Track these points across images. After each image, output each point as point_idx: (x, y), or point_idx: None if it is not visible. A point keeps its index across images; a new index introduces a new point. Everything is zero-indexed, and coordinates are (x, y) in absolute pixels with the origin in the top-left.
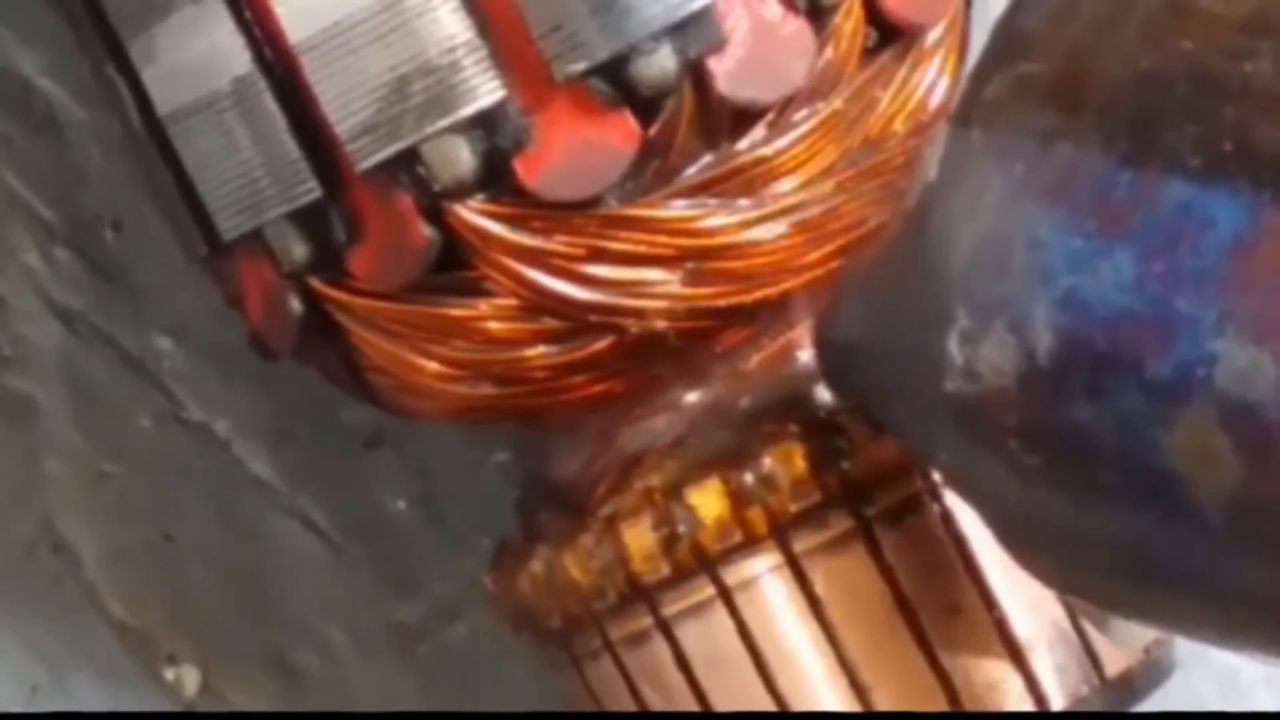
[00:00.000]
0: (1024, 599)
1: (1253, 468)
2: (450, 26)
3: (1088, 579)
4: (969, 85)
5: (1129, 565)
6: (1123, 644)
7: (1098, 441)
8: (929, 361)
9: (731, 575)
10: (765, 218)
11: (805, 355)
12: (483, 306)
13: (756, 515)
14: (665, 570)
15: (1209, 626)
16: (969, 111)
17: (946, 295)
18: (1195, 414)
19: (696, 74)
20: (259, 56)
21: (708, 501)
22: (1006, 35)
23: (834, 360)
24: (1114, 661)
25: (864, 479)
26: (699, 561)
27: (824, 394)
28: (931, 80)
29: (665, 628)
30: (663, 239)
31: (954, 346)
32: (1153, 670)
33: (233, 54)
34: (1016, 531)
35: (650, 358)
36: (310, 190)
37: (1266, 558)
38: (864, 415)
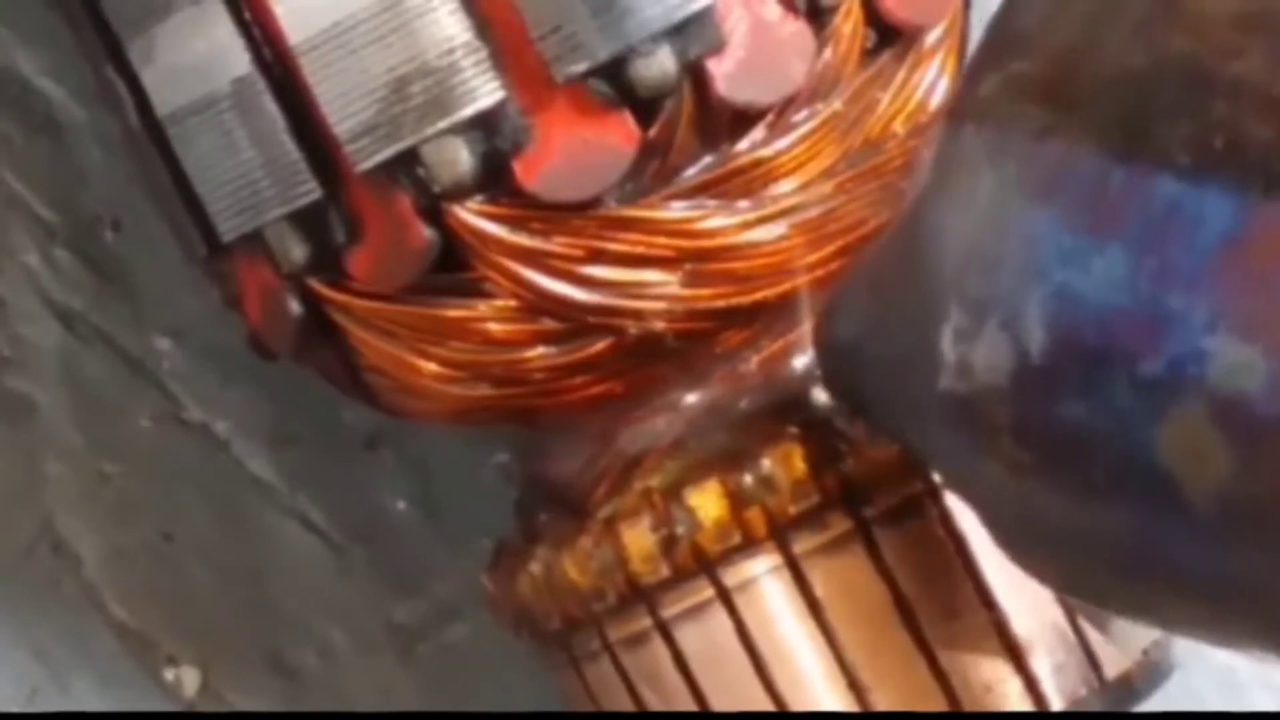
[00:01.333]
0: (1023, 599)
1: (1243, 463)
2: (450, 28)
3: (1084, 577)
4: (963, 84)
5: (1124, 562)
6: (1123, 645)
7: (1090, 437)
8: (923, 360)
9: (731, 576)
10: (765, 219)
11: (804, 357)
12: (482, 307)
13: (755, 516)
14: (664, 571)
15: (1203, 623)
16: (963, 109)
17: (940, 293)
18: (1187, 410)
19: (696, 75)
20: (258, 57)
21: (707, 503)
22: (999, 33)
23: (832, 363)
24: (1113, 662)
25: (863, 480)
26: (698, 563)
27: (823, 395)
28: (931, 81)
29: (664, 629)
30: (662, 240)
31: (947, 344)
32: (1152, 671)
33: (232, 55)
34: (1013, 530)
35: (650, 359)
36: (309, 191)
37: (1257, 552)
38: (862, 419)
